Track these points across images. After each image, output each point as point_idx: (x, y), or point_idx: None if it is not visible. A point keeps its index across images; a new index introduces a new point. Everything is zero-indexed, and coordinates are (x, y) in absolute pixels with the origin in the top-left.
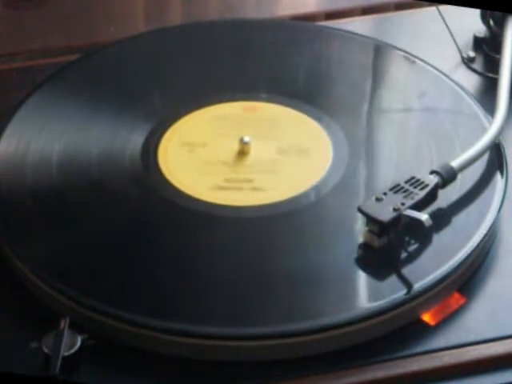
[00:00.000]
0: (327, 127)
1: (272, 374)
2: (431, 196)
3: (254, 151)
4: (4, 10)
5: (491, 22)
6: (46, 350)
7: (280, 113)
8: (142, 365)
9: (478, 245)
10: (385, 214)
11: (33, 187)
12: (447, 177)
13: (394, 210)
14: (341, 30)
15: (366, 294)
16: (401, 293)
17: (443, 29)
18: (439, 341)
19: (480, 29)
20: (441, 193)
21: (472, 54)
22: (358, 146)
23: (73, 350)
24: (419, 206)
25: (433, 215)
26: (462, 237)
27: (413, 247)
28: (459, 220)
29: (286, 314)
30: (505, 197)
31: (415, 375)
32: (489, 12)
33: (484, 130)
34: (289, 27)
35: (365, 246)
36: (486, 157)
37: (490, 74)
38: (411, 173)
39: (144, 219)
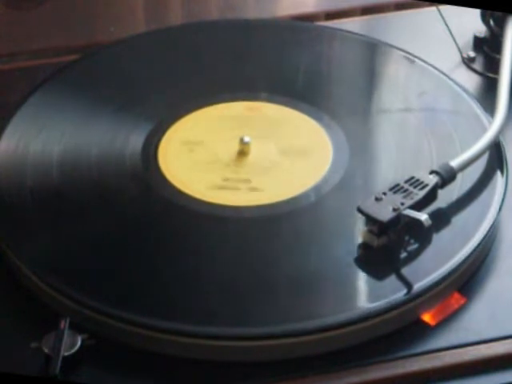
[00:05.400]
0: (327, 127)
1: (272, 374)
2: (431, 196)
3: (254, 151)
4: (4, 10)
5: (491, 22)
6: (46, 350)
7: (280, 113)
8: (142, 365)
9: (478, 245)
10: (384, 213)
11: (33, 187)
12: (447, 177)
13: (394, 209)
14: (341, 30)
15: (365, 294)
16: (401, 293)
17: (443, 29)
18: (439, 341)
19: (480, 29)
20: (441, 193)
21: (472, 53)
22: (358, 146)
23: (73, 350)
24: (419, 205)
25: (432, 215)
26: (461, 237)
27: (412, 247)
28: (459, 220)
29: (285, 314)
30: (505, 197)
31: (415, 375)
32: (489, 12)
33: (484, 130)
34: (289, 27)
35: (364, 246)
36: (485, 156)
37: (490, 74)
38: (411, 173)
39: (144, 219)
